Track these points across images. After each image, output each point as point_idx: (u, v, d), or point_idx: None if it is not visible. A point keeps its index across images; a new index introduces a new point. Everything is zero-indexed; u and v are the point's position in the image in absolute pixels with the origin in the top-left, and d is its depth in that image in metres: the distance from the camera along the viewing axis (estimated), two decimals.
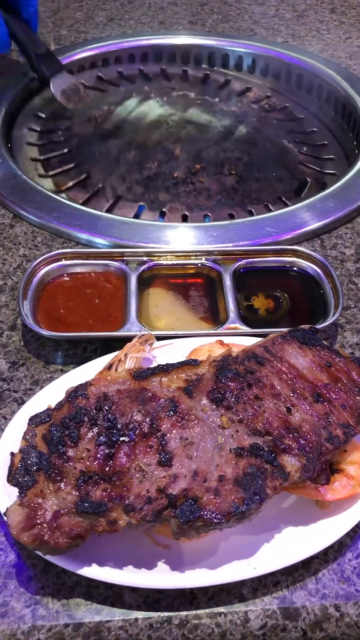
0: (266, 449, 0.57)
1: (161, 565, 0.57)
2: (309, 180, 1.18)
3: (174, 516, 0.53)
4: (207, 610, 0.57)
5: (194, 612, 0.57)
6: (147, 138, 1.26)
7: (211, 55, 1.46)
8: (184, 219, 1.08)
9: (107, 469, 0.55)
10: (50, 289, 0.84)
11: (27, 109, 1.30)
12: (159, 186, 1.15)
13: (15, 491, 0.56)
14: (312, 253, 0.88)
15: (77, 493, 0.54)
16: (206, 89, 1.43)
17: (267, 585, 0.59)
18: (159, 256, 0.87)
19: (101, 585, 0.58)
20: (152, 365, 0.67)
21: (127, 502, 0.54)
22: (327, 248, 0.95)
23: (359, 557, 0.61)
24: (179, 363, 0.63)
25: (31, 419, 0.60)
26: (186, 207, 1.10)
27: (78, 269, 0.86)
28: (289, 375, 0.63)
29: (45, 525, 0.53)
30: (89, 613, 0.57)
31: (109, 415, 0.58)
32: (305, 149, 1.26)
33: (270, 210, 1.08)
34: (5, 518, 0.55)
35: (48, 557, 0.56)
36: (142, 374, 0.61)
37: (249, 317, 0.82)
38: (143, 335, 0.72)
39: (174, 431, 0.57)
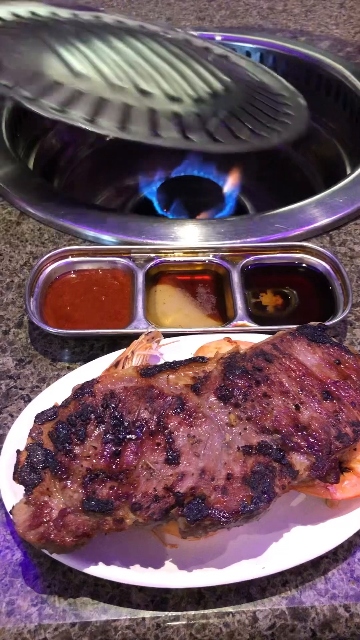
0: (275, 447, 0.57)
1: (168, 565, 0.57)
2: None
3: (181, 515, 0.53)
4: (215, 610, 0.57)
5: (202, 611, 0.56)
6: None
7: None
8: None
9: (113, 467, 0.55)
10: (57, 286, 0.84)
11: None
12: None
13: (21, 489, 0.55)
14: (321, 249, 0.87)
15: (83, 491, 0.54)
16: None
17: (275, 585, 0.58)
18: (166, 253, 0.87)
19: (108, 584, 0.58)
20: (159, 363, 0.66)
21: (134, 500, 0.53)
22: (336, 244, 0.94)
23: None
24: (186, 360, 0.63)
25: (37, 417, 0.59)
26: None
27: (85, 266, 0.86)
28: (297, 373, 0.62)
29: (51, 523, 0.53)
30: (96, 612, 0.56)
31: (116, 413, 0.57)
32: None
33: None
34: (11, 516, 0.55)
35: (54, 556, 0.56)
36: (149, 372, 0.61)
37: (257, 314, 0.81)
38: (150, 332, 0.72)
39: (181, 429, 0.57)
